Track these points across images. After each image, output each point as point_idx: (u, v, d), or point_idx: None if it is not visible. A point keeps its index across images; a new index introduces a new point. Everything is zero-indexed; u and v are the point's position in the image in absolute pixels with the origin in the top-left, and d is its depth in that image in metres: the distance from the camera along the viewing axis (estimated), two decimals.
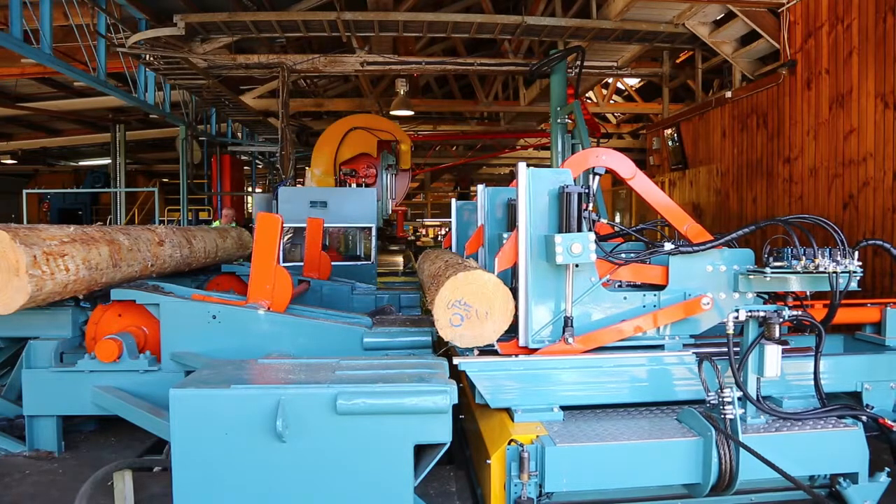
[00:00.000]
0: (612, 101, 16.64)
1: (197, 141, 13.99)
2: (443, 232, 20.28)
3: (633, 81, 15.74)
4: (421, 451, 2.95)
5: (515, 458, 2.88)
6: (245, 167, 18.39)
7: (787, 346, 3.44)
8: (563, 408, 3.27)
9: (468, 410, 3.24)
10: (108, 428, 4.79)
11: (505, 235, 3.80)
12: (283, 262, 7.60)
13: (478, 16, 9.47)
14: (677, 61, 12.29)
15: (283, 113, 10.30)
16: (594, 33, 9.45)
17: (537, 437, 2.97)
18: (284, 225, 5.95)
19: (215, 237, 6.26)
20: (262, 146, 15.72)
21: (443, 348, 3.73)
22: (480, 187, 4.55)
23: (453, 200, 5.73)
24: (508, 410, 3.25)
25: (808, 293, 3.39)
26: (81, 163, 22.18)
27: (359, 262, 8.30)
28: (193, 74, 10.16)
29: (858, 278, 3.33)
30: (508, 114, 15.72)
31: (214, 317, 4.01)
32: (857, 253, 3.36)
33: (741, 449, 2.83)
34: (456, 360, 3.27)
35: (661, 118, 11.42)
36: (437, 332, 3.31)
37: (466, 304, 3.22)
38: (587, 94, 14.93)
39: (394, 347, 4.08)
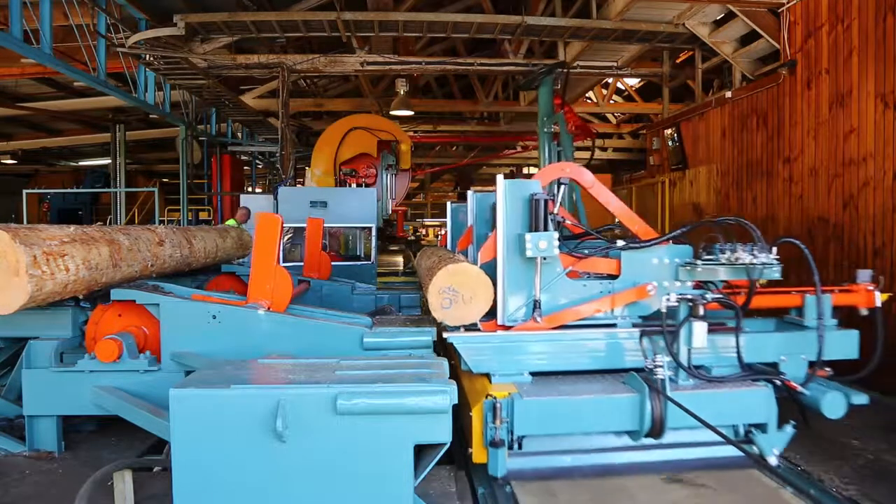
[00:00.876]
0: (612, 101, 16.65)
1: (197, 141, 14.00)
2: (442, 231, 20.31)
3: (633, 81, 15.75)
4: (421, 451, 2.95)
5: (490, 408, 3.55)
6: (245, 167, 18.39)
7: (718, 324, 4.08)
8: (532, 374, 3.93)
9: (455, 376, 3.67)
10: (108, 428, 4.79)
11: (490, 234, 4.34)
12: (283, 262, 7.60)
13: (478, 16, 9.48)
14: (677, 61, 12.29)
15: (283, 113, 10.31)
16: (594, 33, 9.46)
17: (509, 393, 3.63)
18: (284, 225, 5.95)
19: (215, 237, 6.26)
20: (262, 146, 15.72)
21: (435, 326, 4.30)
22: (470, 193, 5.15)
23: (448, 203, 6.25)
24: (487, 375, 3.92)
25: (757, 281, 4.00)
26: (81, 163, 22.18)
27: (359, 262, 8.30)
28: (193, 74, 10.16)
29: (777, 269, 3.94)
30: (508, 114, 15.72)
31: (214, 317, 4.00)
32: (774, 248, 3.92)
33: (669, 403, 3.55)
34: (445, 335, 3.92)
35: (661, 118, 11.42)
36: (437, 333, 3.70)
37: (455, 290, 3.92)
38: (587, 95, 14.94)
39: (394, 347, 4.07)
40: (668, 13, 9.01)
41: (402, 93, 12.77)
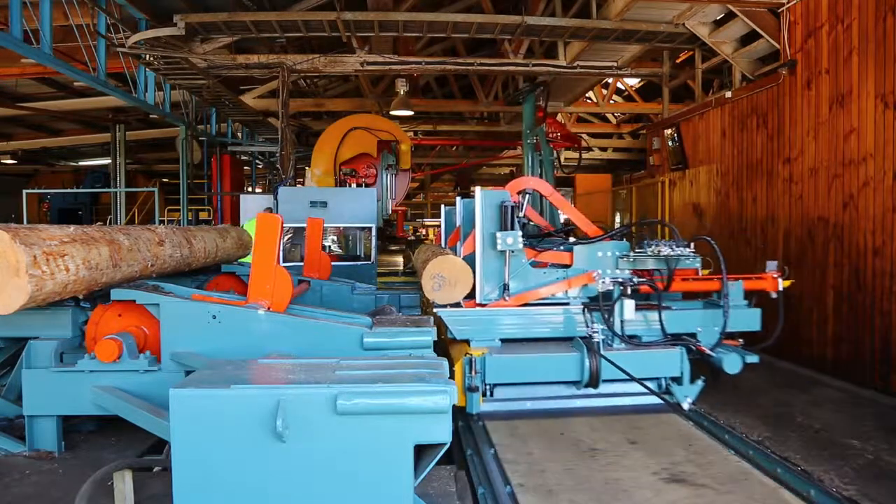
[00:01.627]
0: (612, 101, 16.65)
1: (197, 141, 13.99)
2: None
3: (633, 81, 15.75)
4: (421, 451, 2.95)
5: (468, 363, 4.69)
6: (245, 167, 18.38)
7: (650, 304, 5.09)
8: (502, 340, 5.00)
9: (443, 342, 4.98)
10: (108, 428, 4.79)
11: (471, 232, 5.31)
12: (283, 262, 7.60)
13: (478, 16, 9.48)
14: (677, 61, 12.29)
15: (283, 113, 10.30)
16: (594, 33, 9.46)
17: (482, 353, 4.73)
18: (284, 225, 5.95)
19: (215, 237, 6.26)
20: (262, 146, 15.72)
21: (428, 307, 5.27)
22: (458, 199, 5.97)
23: (443, 206, 7.17)
24: (467, 341, 4.96)
25: (698, 270, 5.20)
26: (81, 163, 22.18)
27: (359, 262, 8.30)
28: (193, 74, 10.16)
29: (693, 259, 5.12)
30: (508, 114, 15.72)
31: (214, 317, 4.00)
32: (692, 244, 5.08)
33: (603, 360, 4.65)
34: (436, 310, 5.01)
35: (661, 118, 11.42)
36: (436, 333, 3.86)
37: (442, 276, 4.99)
38: (587, 95, 14.96)
39: (394, 347, 4.07)
40: (668, 13, 9.01)
41: (402, 93, 12.77)
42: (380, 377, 2.95)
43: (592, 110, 16.85)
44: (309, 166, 11.80)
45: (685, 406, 4.91)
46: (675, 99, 12.50)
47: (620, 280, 4.96)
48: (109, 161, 16.80)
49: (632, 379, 4.64)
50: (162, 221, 14.54)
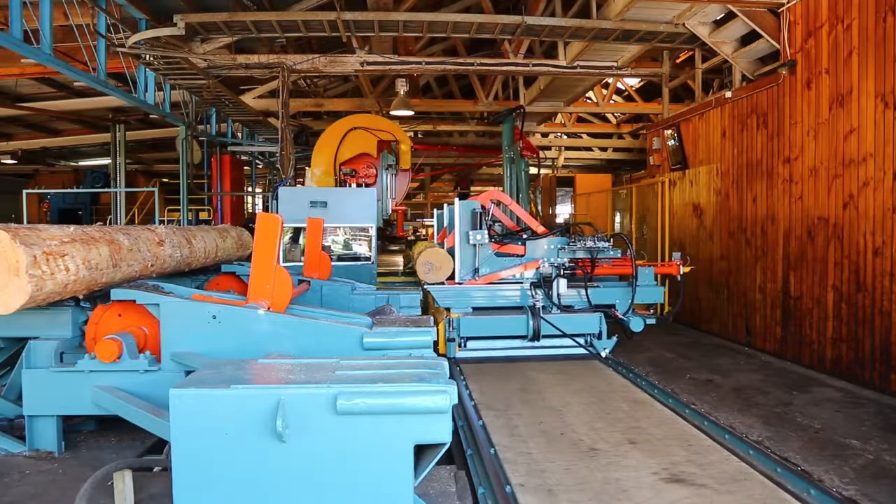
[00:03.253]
0: (612, 101, 16.64)
1: (197, 141, 13.99)
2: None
3: (633, 81, 15.75)
4: (421, 451, 2.95)
5: (448, 322, 6.83)
6: (245, 167, 18.38)
7: (578, 282, 7.02)
8: (473, 308, 7.03)
9: (430, 309, 7.39)
10: (108, 428, 4.79)
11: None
12: (283, 262, 7.60)
13: (478, 16, 9.47)
14: (677, 61, 12.28)
15: (283, 113, 10.30)
16: (594, 33, 9.46)
17: (458, 316, 6.85)
18: (284, 225, 5.94)
19: (215, 237, 6.26)
20: (262, 146, 15.71)
21: (421, 288, 6.94)
22: (445, 206, 8.06)
23: (435, 210, 8.97)
24: (448, 309, 6.98)
25: (631, 255, 7.07)
26: (81, 163, 22.18)
27: (359, 262, 8.30)
28: (193, 74, 10.16)
29: (611, 251, 6.98)
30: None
31: (214, 317, 4.00)
32: (611, 240, 7.09)
33: (543, 322, 6.73)
34: (426, 287, 7.02)
35: (661, 118, 11.42)
36: (437, 333, 4.17)
37: (431, 263, 7.15)
38: (587, 95, 14.96)
39: (394, 347, 4.07)
40: (668, 13, 9.00)
41: (402, 93, 12.76)
42: (380, 377, 2.95)
43: (592, 110, 16.84)
44: (309, 166, 11.79)
45: (603, 355, 6.93)
46: (675, 99, 12.49)
47: (557, 265, 7.02)
48: (109, 161, 16.79)
49: (564, 335, 6.87)
50: (162, 221, 14.51)
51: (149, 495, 3.57)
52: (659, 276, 7.68)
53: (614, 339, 7.04)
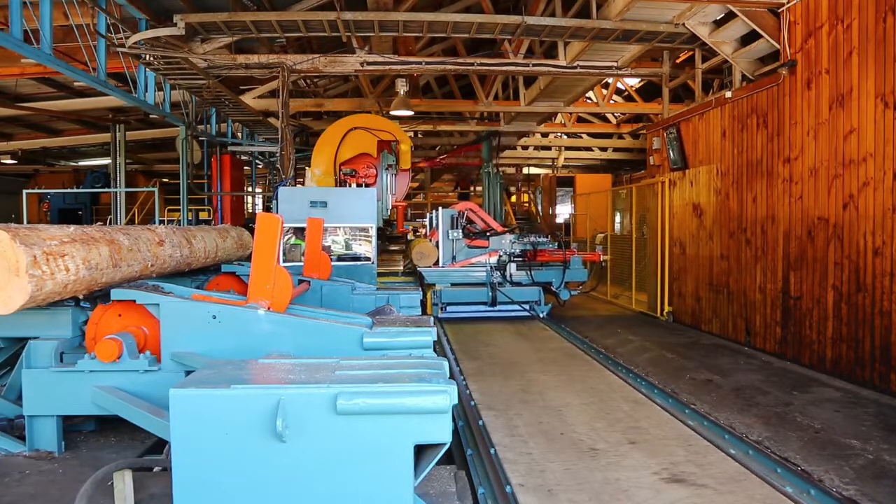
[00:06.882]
0: (612, 101, 16.64)
1: (197, 141, 13.98)
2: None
3: (633, 81, 15.75)
4: (421, 451, 2.95)
5: (434, 293, 10.19)
6: (245, 167, 18.37)
7: (525, 265, 10.54)
8: (452, 284, 10.31)
9: (421, 285, 9.93)
10: (108, 428, 4.79)
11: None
12: (283, 262, 7.60)
13: (478, 16, 9.47)
14: (677, 61, 12.28)
15: (283, 113, 10.30)
16: (594, 33, 9.46)
17: (441, 288, 10.21)
18: (284, 225, 5.94)
19: (215, 237, 6.26)
20: (262, 146, 15.70)
21: (415, 275, 9.85)
22: (434, 211, 11.01)
23: (428, 214, 12.14)
24: (433, 284, 10.20)
25: (562, 248, 10.97)
26: (81, 163, 22.18)
27: (359, 262, 8.30)
28: (193, 74, 10.15)
29: (549, 245, 10.80)
30: (508, 114, 15.72)
31: (214, 317, 4.00)
32: (549, 235, 11.32)
33: (497, 290, 10.20)
34: (418, 269, 10.43)
35: (661, 118, 11.42)
36: (436, 333, 3.72)
37: (422, 252, 10.57)
38: (587, 95, 14.96)
39: (394, 347, 4.07)
40: (668, 13, 9.00)
41: (402, 93, 12.76)
42: (380, 377, 2.95)
43: (592, 110, 16.84)
44: (309, 166, 11.78)
45: (541, 316, 10.19)
46: (675, 99, 12.48)
47: (510, 254, 10.45)
48: (109, 161, 16.78)
49: (513, 302, 10.17)
50: (162, 221, 14.50)
51: (149, 495, 3.57)
52: (588, 262, 10.97)
53: (549, 305, 10.40)
